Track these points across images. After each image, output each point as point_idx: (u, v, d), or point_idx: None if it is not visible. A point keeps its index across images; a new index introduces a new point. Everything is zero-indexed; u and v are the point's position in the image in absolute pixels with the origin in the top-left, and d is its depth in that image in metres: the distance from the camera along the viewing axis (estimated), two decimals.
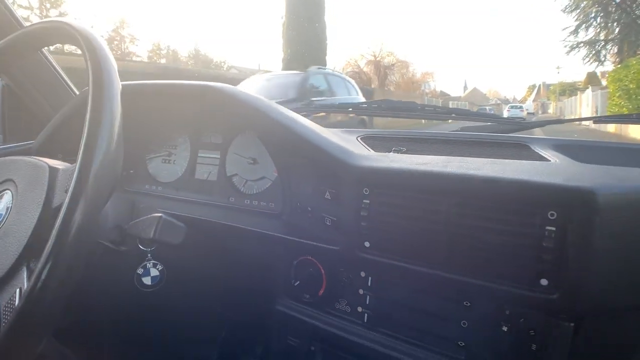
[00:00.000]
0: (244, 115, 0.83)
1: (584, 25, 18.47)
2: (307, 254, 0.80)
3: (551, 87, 42.59)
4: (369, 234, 0.70)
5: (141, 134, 1.03)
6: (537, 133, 1.42)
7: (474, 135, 0.96)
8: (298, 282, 0.81)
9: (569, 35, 19.35)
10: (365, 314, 0.75)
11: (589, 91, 19.11)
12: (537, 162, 0.69)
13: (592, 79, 25.67)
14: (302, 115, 0.90)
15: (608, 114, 13.44)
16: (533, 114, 37.43)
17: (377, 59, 32.04)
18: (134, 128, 0.91)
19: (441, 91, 45.66)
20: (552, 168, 0.64)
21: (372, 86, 27.54)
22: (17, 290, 0.49)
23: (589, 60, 19.35)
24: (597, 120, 1.03)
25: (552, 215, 0.56)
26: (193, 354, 1.07)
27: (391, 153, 0.81)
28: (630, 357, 0.60)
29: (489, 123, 1.10)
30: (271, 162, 0.88)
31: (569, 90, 38.25)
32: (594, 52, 19.24)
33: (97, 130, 0.48)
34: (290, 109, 0.91)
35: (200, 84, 0.85)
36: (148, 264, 0.80)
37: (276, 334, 0.85)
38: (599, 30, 17.97)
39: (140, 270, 0.79)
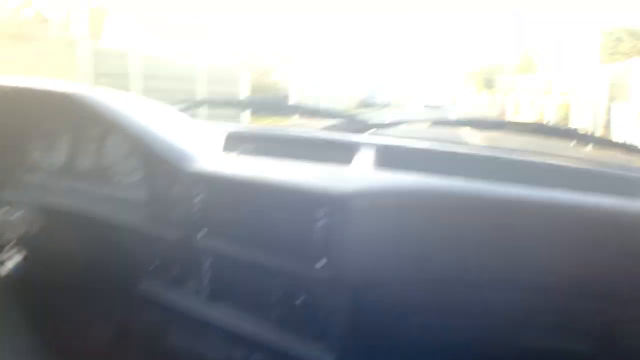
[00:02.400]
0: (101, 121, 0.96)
1: None
2: (163, 241, 0.90)
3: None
4: (202, 224, 0.85)
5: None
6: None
7: (320, 135, 1.11)
8: (152, 267, 0.91)
9: None
10: (204, 292, 0.87)
11: None
12: (334, 167, 0.87)
13: None
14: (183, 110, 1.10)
15: None
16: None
17: None
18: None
19: None
20: (340, 173, 0.84)
21: None
22: None
23: None
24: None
25: (321, 212, 0.76)
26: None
27: (235, 154, 0.97)
28: (399, 322, 0.78)
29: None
30: None
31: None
32: None
33: None
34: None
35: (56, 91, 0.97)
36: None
37: (137, 315, 0.95)
38: None
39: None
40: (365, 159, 0.93)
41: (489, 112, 22.41)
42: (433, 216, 0.76)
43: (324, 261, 0.77)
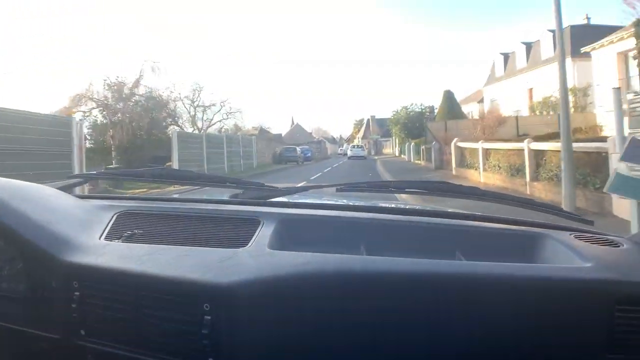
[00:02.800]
0: None
1: None
2: (43, 341, 0.83)
3: (392, 117, 31.98)
4: (82, 323, 0.79)
5: None
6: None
7: (213, 210, 1.07)
8: None
9: None
10: None
11: None
12: (223, 252, 0.82)
13: None
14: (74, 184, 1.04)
15: None
16: (364, 157, 35.28)
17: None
18: None
19: (261, 127, 40.75)
20: (229, 259, 0.79)
21: None
22: None
23: None
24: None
25: (206, 307, 0.71)
26: None
27: (118, 241, 0.91)
28: None
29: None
30: None
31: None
32: None
33: None
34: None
35: None
36: None
37: None
38: None
39: None
40: (262, 237, 0.89)
41: None
42: (325, 297, 0.73)
43: (213, 359, 0.71)
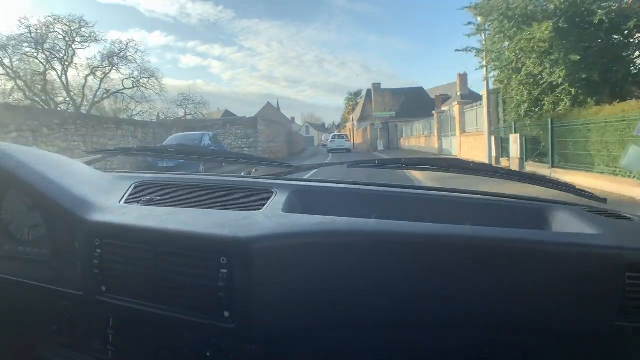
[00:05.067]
0: None
1: None
2: (66, 298, 0.87)
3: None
4: (104, 280, 0.82)
5: None
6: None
7: (228, 181, 1.10)
8: (55, 326, 0.88)
9: None
10: (110, 351, 0.85)
11: None
12: (239, 213, 0.86)
13: None
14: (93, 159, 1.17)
15: None
16: (349, 149, 26.82)
17: None
18: None
19: (226, 110, 38.39)
20: (242, 219, 0.82)
21: None
22: None
23: None
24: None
25: (223, 260, 0.74)
26: None
27: (137, 204, 0.95)
28: None
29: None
30: None
31: None
32: None
33: None
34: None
35: None
36: None
37: None
38: None
39: None
40: (276, 203, 0.92)
41: None
42: (337, 256, 0.75)
43: (229, 312, 0.74)
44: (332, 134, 31.92)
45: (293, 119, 60.40)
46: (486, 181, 1.16)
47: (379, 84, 34.42)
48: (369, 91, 36.58)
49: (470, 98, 19.39)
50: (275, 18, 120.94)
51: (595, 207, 1.01)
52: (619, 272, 0.72)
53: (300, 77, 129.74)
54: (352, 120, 38.13)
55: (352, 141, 26.65)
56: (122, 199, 0.98)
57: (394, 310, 0.75)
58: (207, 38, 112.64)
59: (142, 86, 23.88)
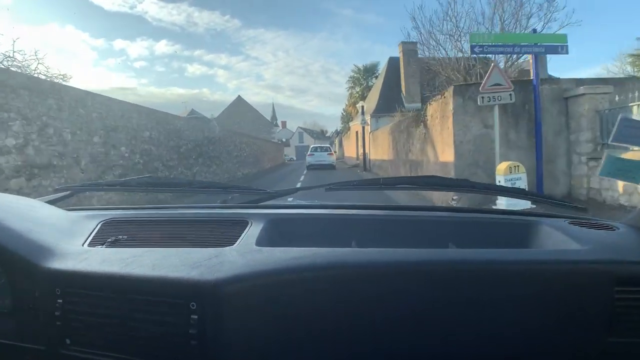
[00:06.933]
0: None
1: None
2: (28, 354, 0.80)
3: None
4: (67, 332, 0.76)
5: None
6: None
7: (201, 213, 1.06)
8: None
9: None
10: None
11: None
12: (210, 251, 0.80)
13: None
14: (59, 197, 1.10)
15: None
16: (332, 164, 19.67)
17: None
18: None
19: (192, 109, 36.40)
20: (212, 257, 0.77)
21: None
22: None
23: None
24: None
25: (192, 305, 0.68)
26: None
27: (102, 246, 0.89)
28: None
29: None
30: None
31: None
32: None
33: None
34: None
35: None
36: None
37: None
38: None
39: None
40: (250, 236, 0.87)
41: None
42: (316, 291, 0.71)
43: None
44: (311, 146, 23.82)
45: (284, 123, 51.75)
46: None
47: (414, 43, 13.45)
48: (392, 61, 20.26)
49: None
50: (282, 27, 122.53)
51: (577, 217, 1.01)
52: (608, 286, 0.71)
53: (306, 87, 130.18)
54: (362, 115, 18.27)
55: (367, 152, 17.19)
56: (85, 241, 0.92)
57: (379, 343, 0.71)
58: (213, 47, 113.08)
59: None
